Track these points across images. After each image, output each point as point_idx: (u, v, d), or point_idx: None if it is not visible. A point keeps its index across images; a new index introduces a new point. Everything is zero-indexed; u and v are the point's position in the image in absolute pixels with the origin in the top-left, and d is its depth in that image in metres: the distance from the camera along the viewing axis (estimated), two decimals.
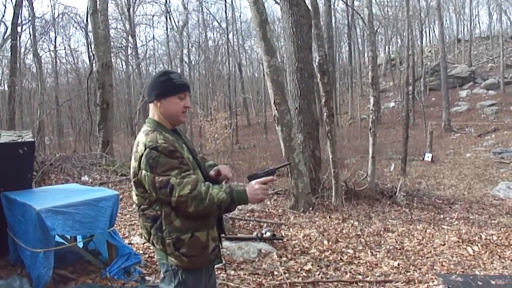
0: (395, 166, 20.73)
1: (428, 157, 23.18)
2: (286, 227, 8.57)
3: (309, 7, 11.12)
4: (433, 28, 65.20)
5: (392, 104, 46.22)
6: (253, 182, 2.91)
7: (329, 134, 10.67)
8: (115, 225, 5.41)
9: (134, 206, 8.82)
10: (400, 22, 48.62)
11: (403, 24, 44.07)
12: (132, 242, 6.79)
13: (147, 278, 5.41)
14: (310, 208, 9.94)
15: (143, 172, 2.76)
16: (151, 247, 3.29)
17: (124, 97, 43.79)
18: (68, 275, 5.19)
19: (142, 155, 2.76)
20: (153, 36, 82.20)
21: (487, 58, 55.44)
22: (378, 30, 48.30)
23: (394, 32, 54.67)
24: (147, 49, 50.94)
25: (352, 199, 11.24)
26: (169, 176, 2.71)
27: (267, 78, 9.67)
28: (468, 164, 21.93)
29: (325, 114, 10.60)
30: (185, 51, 47.58)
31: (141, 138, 2.84)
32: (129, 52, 43.26)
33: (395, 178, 16.71)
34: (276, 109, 9.55)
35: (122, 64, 49.56)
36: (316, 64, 10.74)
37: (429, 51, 59.95)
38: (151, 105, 3.01)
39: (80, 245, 5.61)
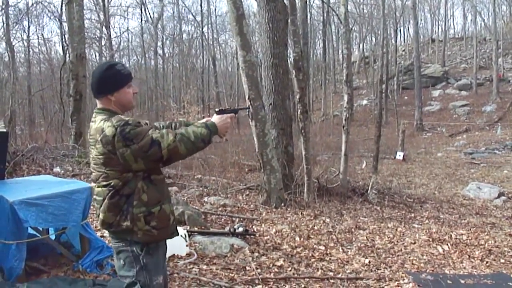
0: (366, 164, 20.87)
1: (399, 155, 23.37)
2: (258, 222, 8.60)
3: (286, 3, 11.14)
4: (408, 28, 66.06)
5: (365, 101, 46.62)
6: (222, 115, 3.25)
7: (302, 131, 10.72)
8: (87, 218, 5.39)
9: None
10: (375, 20, 48.99)
11: (378, 23, 44.47)
12: (104, 235, 6.73)
13: None
14: (282, 204, 9.98)
15: (121, 150, 2.84)
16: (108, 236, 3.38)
17: None
18: (40, 268, 5.15)
19: (114, 135, 2.84)
20: (128, 27, 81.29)
21: (460, 59, 56.18)
22: (353, 28, 48.56)
23: (369, 30, 55.14)
24: (121, 41, 50.52)
25: (324, 196, 11.29)
26: (149, 135, 2.86)
27: (242, 73, 9.67)
28: (439, 164, 22.18)
29: (299, 110, 10.63)
30: (159, 44, 47.35)
31: (103, 124, 2.93)
32: (102, 43, 42.85)
33: (367, 175, 16.82)
34: (251, 104, 9.55)
35: (95, 55, 49.08)
36: (291, 60, 10.77)
37: (403, 50, 60.55)
38: (101, 99, 3.11)
39: (52, 237, 5.57)
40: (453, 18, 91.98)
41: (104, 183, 3.00)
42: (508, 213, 12.24)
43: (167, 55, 51.76)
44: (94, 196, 3.13)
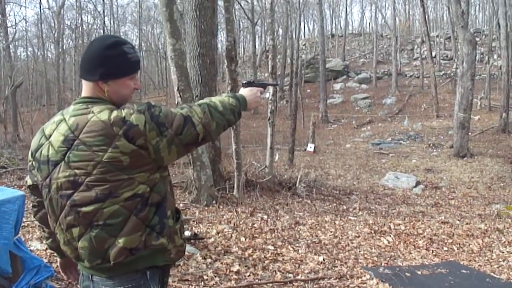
0: (279, 156, 20.70)
1: (310, 147, 23.39)
2: (195, 223, 8.07)
3: None
4: (308, 23, 67.24)
5: (267, 95, 46.68)
6: (252, 88, 2.70)
7: None
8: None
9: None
10: (276, 14, 49.26)
11: (280, 17, 44.73)
12: (31, 248, 5.82)
13: None
14: (214, 202, 9.49)
15: (155, 141, 2.12)
16: (97, 277, 2.22)
17: None
18: None
19: (145, 123, 2.09)
20: (24, 16, 77.35)
21: (359, 54, 57.72)
22: (257, 22, 48.68)
23: (269, 25, 55.38)
24: (16, 30, 47.81)
25: (253, 191, 10.92)
26: (177, 112, 2.22)
27: (171, 63, 9.04)
28: (350, 155, 22.41)
29: None
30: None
31: (119, 113, 2.11)
32: None
33: (282, 168, 16.65)
34: (180, 96, 8.98)
35: None
36: (223, 49, 10.30)
37: (304, 44, 61.37)
38: (90, 83, 2.25)
39: None
40: (351, 15, 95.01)
41: (128, 194, 2.12)
42: (430, 201, 12.53)
43: (65, 46, 49.65)
44: (104, 221, 2.12)
